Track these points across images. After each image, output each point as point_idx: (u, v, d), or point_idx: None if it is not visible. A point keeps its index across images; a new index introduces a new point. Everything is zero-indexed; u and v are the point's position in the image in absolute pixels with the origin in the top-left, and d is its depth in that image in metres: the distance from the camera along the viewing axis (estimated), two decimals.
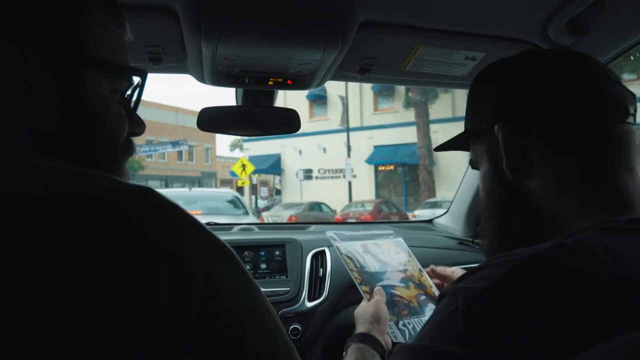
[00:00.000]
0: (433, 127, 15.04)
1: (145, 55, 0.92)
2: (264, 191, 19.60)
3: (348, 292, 1.17)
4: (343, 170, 17.69)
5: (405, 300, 0.94)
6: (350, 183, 16.30)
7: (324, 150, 18.85)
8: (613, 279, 0.41)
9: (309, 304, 1.14)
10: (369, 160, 17.58)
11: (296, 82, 1.03)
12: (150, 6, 0.79)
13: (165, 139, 23.56)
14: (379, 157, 17.44)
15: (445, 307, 0.45)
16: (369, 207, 14.06)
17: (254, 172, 16.57)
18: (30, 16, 0.42)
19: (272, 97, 1.17)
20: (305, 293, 1.16)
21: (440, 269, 1.02)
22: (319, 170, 19.08)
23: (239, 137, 24.58)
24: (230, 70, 0.98)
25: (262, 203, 18.59)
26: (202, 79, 1.05)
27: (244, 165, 15.18)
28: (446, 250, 1.28)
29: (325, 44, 0.84)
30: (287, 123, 1.17)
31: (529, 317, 0.40)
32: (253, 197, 17.86)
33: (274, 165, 19.98)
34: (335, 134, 18.05)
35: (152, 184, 27.93)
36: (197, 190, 10.49)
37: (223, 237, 1.33)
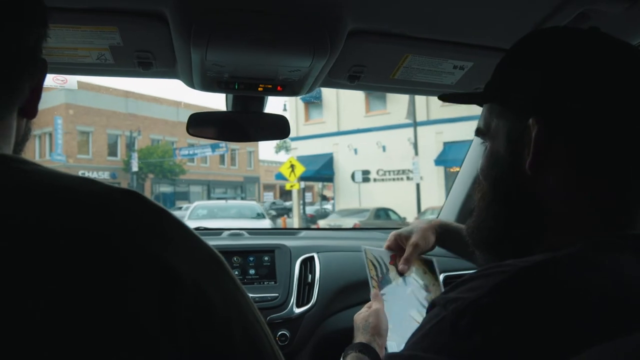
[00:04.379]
0: None
1: (135, 60, 1.03)
2: (307, 197, 19.72)
3: (337, 298, 1.33)
4: (406, 171, 17.41)
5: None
6: (418, 185, 15.86)
7: (384, 148, 18.69)
8: (603, 294, 0.45)
9: (298, 310, 1.30)
10: (438, 161, 17.16)
11: (286, 89, 1.16)
12: (139, 12, 0.89)
13: (206, 142, 24.74)
14: (449, 155, 16.98)
15: (435, 316, 0.50)
16: None
17: (303, 175, 16.76)
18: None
19: (262, 103, 1.32)
20: (293, 299, 1.32)
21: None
22: (377, 172, 18.92)
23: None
24: (219, 76, 1.09)
25: (309, 210, 18.83)
26: (191, 85, 1.19)
27: (292, 166, 15.09)
28: (437, 257, 1.37)
29: (314, 52, 0.93)
30: (277, 129, 1.32)
31: (517, 330, 0.44)
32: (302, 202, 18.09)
33: (325, 166, 20.07)
34: (397, 129, 17.82)
35: (194, 189, 29.59)
36: (231, 202, 17.69)
37: (212, 242, 1.54)
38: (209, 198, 28.90)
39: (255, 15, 0.87)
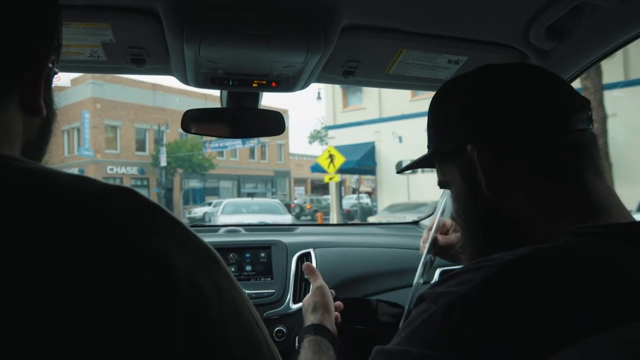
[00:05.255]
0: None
1: (128, 56, 1.10)
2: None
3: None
4: None
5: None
6: None
7: None
8: (591, 284, 0.50)
9: (294, 306, 1.41)
10: None
11: (280, 84, 1.23)
12: (132, 8, 0.95)
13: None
14: None
15: (424, 310, 0.55)
16: None
17: (342, 167, 16.66)
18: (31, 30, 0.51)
19: (257, 98, 1.40)
20: (290, 295, 1.43)
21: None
22: None
23: (318, 128, 25.31)
24: (213, 73, 1.16)
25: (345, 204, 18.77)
26: (185, 81, 1.25)
27: (331, 157, 14.93)
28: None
29: (308, 47, 1.00)
30: (272, 125, 1.40)
31: (507, 322, 0.48)
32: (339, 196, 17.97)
33: (366, 157, 19.87)
34: None
35: (223, 184, 30.27)
36: (256, 199, 20.12)
37: (209, 239, 1.67)
38: (238, 193, 29.89)
39: (248, 12, 0.93)
